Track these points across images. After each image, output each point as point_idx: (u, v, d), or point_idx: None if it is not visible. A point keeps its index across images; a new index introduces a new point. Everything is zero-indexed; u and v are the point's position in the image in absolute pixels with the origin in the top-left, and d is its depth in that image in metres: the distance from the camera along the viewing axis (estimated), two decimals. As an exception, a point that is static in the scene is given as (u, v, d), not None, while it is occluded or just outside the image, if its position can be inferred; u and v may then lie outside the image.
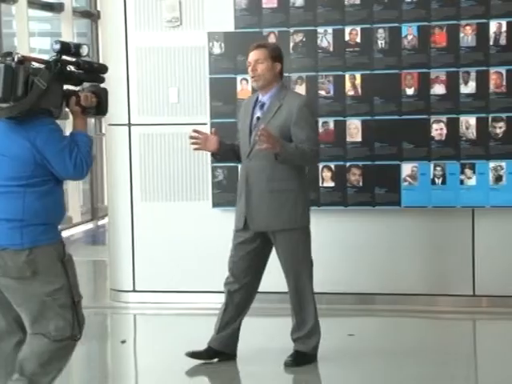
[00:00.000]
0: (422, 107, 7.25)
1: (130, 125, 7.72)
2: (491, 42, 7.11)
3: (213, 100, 7.49)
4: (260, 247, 6.06)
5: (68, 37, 12.38)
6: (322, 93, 7.37)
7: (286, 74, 7.10)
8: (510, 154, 7.17)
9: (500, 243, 7.28)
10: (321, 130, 7.31)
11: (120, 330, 7.64)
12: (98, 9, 9.65)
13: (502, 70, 7.09)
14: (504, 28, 7.07)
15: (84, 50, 4.76)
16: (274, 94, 5.96)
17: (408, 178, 7.30)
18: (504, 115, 7.12)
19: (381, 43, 7.26)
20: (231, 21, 7.46)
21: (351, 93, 7.34)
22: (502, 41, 7.07)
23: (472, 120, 7.17)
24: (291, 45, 7.38)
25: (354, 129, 7.33)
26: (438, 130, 7.24)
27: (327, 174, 7.39)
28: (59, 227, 4.85)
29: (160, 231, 7.74)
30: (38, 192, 4.56)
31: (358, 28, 7.29)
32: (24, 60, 4.51)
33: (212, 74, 7.47)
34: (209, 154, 7.26)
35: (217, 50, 7.45)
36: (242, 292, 6.09)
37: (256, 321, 6.74)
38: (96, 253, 9.74)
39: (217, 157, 6.24)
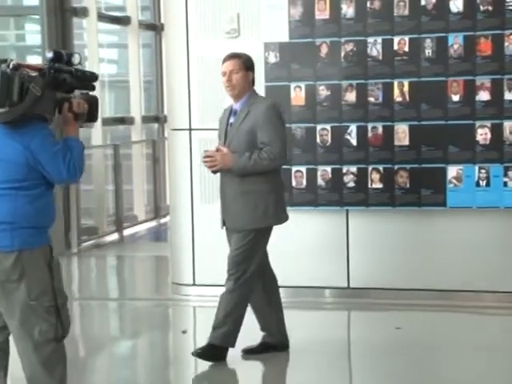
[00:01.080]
0: (467, 113, 7.24)
1: (190, 129, 7.83)
2: (536, 51, 7.06)
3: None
4: None
5: (134, 48, 12.61)
6: (372, 99, 7.37)
7: (337, 82, 7.37)
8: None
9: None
10: (370, 134, 7.39)
11: (180, 320, 7.75)
12: (162, 21, 9.85)
13: (546, 77, 7.06)
14: (546, 38, 7.02)
15: (76, 59, 4.73)
16: (245, 101, 6.01)
17: (453, 180, 7.31)
18: (547, 121, 7.11)
19: (428, 52, 7.25)
20: (286, 32, 7.48)
21: (399, 99, 7.33)
22: (546, 50, 7.05)
23: (514, 125, 7.17)
24: (342, 54, 7.39)
25: (402, 133, 7.35)
26: (483, 134, 7.23)
27: (376, 176, 7.40)
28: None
29: (218, 230, 7.30)
30: (29, 195, 4.49)
31: (407, 38, 7.28)
32: (19, 67, 4.46)
33: (268, 82, 7.51)
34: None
35: (272, 60, 7.50)
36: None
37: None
38: (158, 249, 9.86)
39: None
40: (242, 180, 5.94)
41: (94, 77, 4.89)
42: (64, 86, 4.67)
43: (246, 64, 6.05)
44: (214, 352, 6.04)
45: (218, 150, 5.98)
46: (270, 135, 5.89)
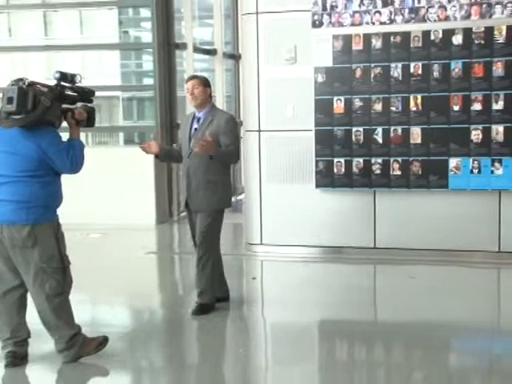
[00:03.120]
0: (464, 119, 7.14)
1: (259, 131, 7.80)
2: (515, 73, 6.99)
3: (316, 114, 7.46)
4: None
5: (219, 72, 12.54)
6: (393, 109, 7.28)
7: (367, 96, 7.33)
8: (528, 153, 7.08)
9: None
10: (392, 134, 7.31)
11: (251, 270, 7.74)
12: (240, 52, 9.89)
13: (523, 93, 7.00)
14: (524, 63, 6.96)
15: (77, 79, 4.67)
16: (207, 111, 5.73)
17: (454, 169, 7.23)
18: (523, 125, 7.04)
19: (435, 74, 7.16)
20: (330, 59, 7.40)
21: (414, 109, 7.25)
22: (523, 72, 6.98)
23: (500, 128, 7.07)
24: (372, 75, 7.30)
25: (416, 134, 7.27)
26: (476, 135, 7.14)
27: (396, 166, 7.33)
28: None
29: (279, 203, 7.79)
30: (41, 182, 4.43)
31: (420, 63, 7.19)
32: (33, 84, 4.41)
33: (316, 96, 7.45)
34: (313, 151, 7.53)
35: (320, 80, 7.42)
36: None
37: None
38: (236, 218, 9.85)
39: (157, 158, 5.98)
40: (206, 171, 5.67)
41: (91, 92, 4.84)
42: (68, 99, 4.66)
43: (203, 82, 5.75)
44: (207, 308, 5.78)
45: (208, 140, 5.54)
46: (230, 139, 5.66)
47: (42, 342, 4.87)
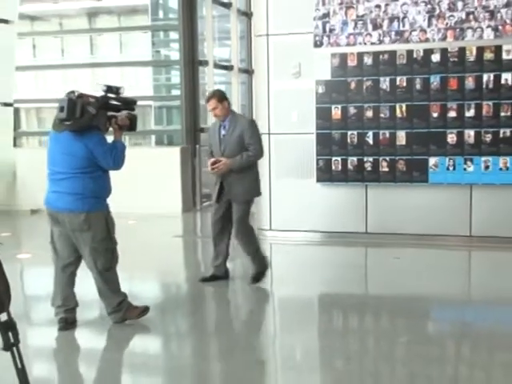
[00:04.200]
0: (441, 124, 7.10)
1: (269, 133, 7.74)
2: (484, 87, 6.94)
3: (317, 119, 7.44)
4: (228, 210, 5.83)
5: (235, 84, 12.49)
6: (382, 115, 7.23)
7: (360, 105, 7.28)
8: (494, 153, 6.99)
9: (490, 207, 7.15)
10: (381, 137, 7.25)
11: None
12: (253, 68, 9.88)
13: (490, 103, 6.94)
14: (491, 78, 6.91)
15: (122, 91, 4.70)
16: (230, 119, 5.68)
17: (433, 166, 7.18)
18: (491, 130, 6.97)
19: (418, 86, 7.12)
20: (329, 73, 7.38)
21: (399, 116, 7.21)
22: (490, 85, 6.92)
23: (471, 132, 7.03)
24: (364, 87, 7.25)
25: (401, 137, 7.22)
26: (451, 138, 7.10)
27: (384, 164, 7.29)
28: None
29: (286, 195, 7.74)
30: (92, 177, 4.50)
31: (404, 77, 7.16)
32: (82, 95, 4.46)
33: (317, 104, 7.42)
34: (314, 151, 7.46)
35: (320, 91, 7.39)
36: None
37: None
38: (249, 208, 9.95)
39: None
40: (236, 171, 5.67)
41: (133, 102, 4.85)
42: (112, 107, 4.69)
43: (219, 99, 5.66)
44: (261, 276, 5.89)
45: (217, 161, 5.66)
46: (252, 138, 5.65)
47: (87, 310, 4.95)
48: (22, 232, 9.19)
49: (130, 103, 4.80)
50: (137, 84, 18.61)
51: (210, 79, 11.67)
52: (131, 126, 4.80)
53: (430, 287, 5.76)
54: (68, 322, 4.69)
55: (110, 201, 4.72)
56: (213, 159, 5.71)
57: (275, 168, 7.81)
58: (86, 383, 4.00)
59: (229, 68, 12.57)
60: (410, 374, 3.91)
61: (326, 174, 7.54)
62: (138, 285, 6.27)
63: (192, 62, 10.62)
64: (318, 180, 7.58)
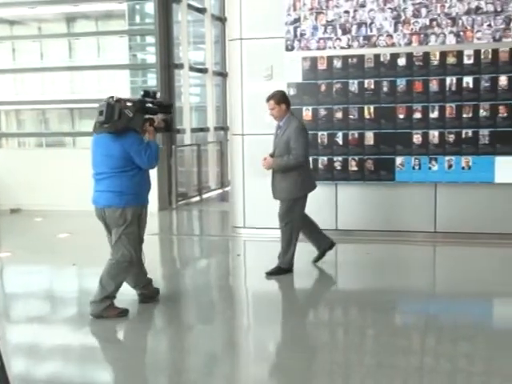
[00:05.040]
0: (408, 125, 7.16)
1: (243, 135, 7.76)
2: (447, 89, 7.01)
3: None
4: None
5: (210, 87, 12.45)
6: (351, 116, 7.26)
7: (330, 106, 7.30)
8: (457, 152, 7.05)
9: (453, 204, 7.22)
10: (350, 137, 7.28)
11: (236, 248, 7.65)
12: (227, 71, 9.84)
13: (453, 104, 7.01)
14: (454, 81, 6.97)
15: (158, 95, 4.95)
16: (285, 121, 5.87)
17: (399, 165, 7.23)
18: (454, 130, 7.04)
19: (385, 89, 7.18)
20: (300, 76, 7.40)
21: (368, 117, 7.25)
22: (453, 88, 6.98)
23: (436, 133, 7.09)
24: (334, 89, 7.28)
25: (369, 137, 7.27)
26: (417, 138, 7.16)
27: (353, 163, 7.33)
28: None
29: (259, 193, 7.57)
30: (129, 175, 4.67)
31: (372, 80, 7.21)
32: (120, 100, 4.63)
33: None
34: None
35: (292, 93, 7.34)
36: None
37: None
38: (223, 206, 9.90)
39: None
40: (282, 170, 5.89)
41: (170, 105, 5.11)
42: (149, 111, 4.86)
43: (277, 101, 5.89)
44: (282, 272, 5.96)
45: (265, 158, 5.98)
46: (296, 143, 5.79)
47: (67, 307, 4.82)
48: (1, 231, 9.06)
49: (166, 106, 5.01)
50: (114, 87, 18.47)
51: (186, 82, 11.66)
52: (167, 127, 5.01)
53: (396, 281, 5.80)
54: (147, 297, 5.08)
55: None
56: (264, 156, 5.98)
57: (248, 167, 7.80)
58: (64, 379, 3.95)
59: (203, 71, 12.52)
60: (377, 364, 3.94)
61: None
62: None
63: (168, 66, 10.59)
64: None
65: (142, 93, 4.87)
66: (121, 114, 4.56)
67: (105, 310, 4.75)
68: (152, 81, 15.93)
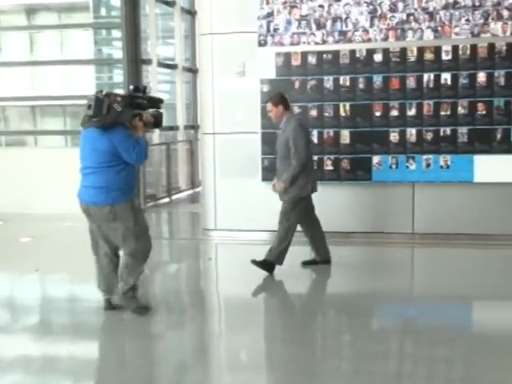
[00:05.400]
0: (384, 123, 7.21)
1: (214, 133, 7.76)
2: (424, 86, 7.07)
3: (262, 118, 7.42)
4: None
5: (179, 83, 12.45)
6: (327, 114, 7.30)
7: (304, 104, 7.31)
8: (436, 151, 7.13)
9: (431, 204, 7.30)
10: (325, 136, 7.31)
11: (207, 252, 7.65)
12: (197, 67, 9.83)
13: (431, 102, 7.08)
14: (432, 77, 7.05)
15: (148, 90, 5.07)
16: (284, 122, 6.08)
17: (376, 164, 7.28)
18: (431, 128, 7.10)
19: (361, 85, 7.23)
20: (273, 72, 7.43)
21: (343, 114, 7.29)
22: (431, 85, 7.06)
23: (413, 131, 7.15)
24: (308, 86, 7.32)
25: (345, 136, 7.31)
26: (394, 136, 7.21)
27: (328, 162, 7.37)
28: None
29: (231, 195, 7.74)
30: (116, 170, 4.75)
31: (348, 77, 7.25)
32: (109, 94, 4.74)
33: (262, 104, 7.35)
34: (259, 150, 7.52)
35: (265, 89, 7.42)
36: None
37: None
38: (194, 207, 9.86)
39: None
40: (284, 169, 6.05)
41: (159, 100, 5.16)
42: (139, 106, 4.94)
43: (275, 102, 6.07)
44: (269, 266, 6.10)
45: (274, 184, 6.19)
46: (294, 143, 5.95)
47: (28, 315, 4.79)
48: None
49: (156, 101, 5.08)
50: (78, 83, 18.33)
51: (154, 78, 11.63)
52: (156, 123, 5.06)
53: (373, 284, 5.84)
54: (111, 304, 5.08)
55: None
56: (272, 182, 6.26)
57: (220, 168, 7.81)
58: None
59: (173, 67, 12.50)
60: (354, 370, 3.97)
61: (271, 173, 7.40)
62: (82, 287, 6.18)
63: (135, 61, 10.52)
64: (264, 179, 7.58)
65: (131, 87, 4.99)
66: (109, 108, 4.66)
67: (126, 300, 4.97)
68: (118, 77, 15.86)
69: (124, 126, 4.79)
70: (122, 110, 4.72)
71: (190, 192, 12.29)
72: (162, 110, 5.12)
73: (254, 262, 6.07)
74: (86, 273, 5.85)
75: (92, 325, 4.91)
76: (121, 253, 5.02)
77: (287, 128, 6.01)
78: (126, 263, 4.93)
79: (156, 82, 11.68)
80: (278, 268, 6.15)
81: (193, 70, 12.82)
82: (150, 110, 5.03)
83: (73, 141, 14.79)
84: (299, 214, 6.16)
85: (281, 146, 6.10)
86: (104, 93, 4.72)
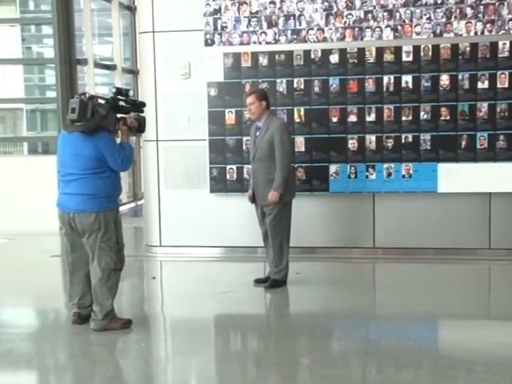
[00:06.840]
0: (342, 129, 7.28)
1: (157, 141, 7.75)
2: (384, 89, 7.19)
3: (210, 124, 7.49)
4: (262, 213, 6.37)
5: (119, 86, 12.58)
6: (279, 120, 7.47)
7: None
8: (397, 159, 7.24)
9: (393, 217, 7.41)
10: (278, 143, 7.52)
11: (151, 270, 7.63)
12: (138, 68, 9.79)
13: (391, 106, 7.19)
14: (392, 80, 7.16)
15: (131, 93, 5.22)
16: (265, 120, 6.19)
17: (334, 174, 7.35)
18: (392, 135, 7.22)
19: (316, 89, 7.30)
20: (222, 74, 7.46)
21: (298, 120, 7.35)
22: (391, 88, 7.18)
23: (373, 137, 7.25)
24: (260, 90, 7.44)
25: (300, 143, 7.35)
26: (352, 144, 7.30)
27: (282, 172, 7.48)
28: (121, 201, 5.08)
29: (177, 208, 7.75)
30: (102, 177, 4.92)
31: (302, 79, 7.31)
32: (92, 97, 4.90)
33: (210, 108, 7.49)
34: (207, 159, 7.54)
35: (212, 93, 7.47)
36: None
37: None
38: (136, 222, 9.78)
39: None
40: (266, 172, 6.16)
41: (142, 104, 5.37)
42: (122, 109, 5.12)
43: (259, 97, 6.20)
44: (279, 284, 6.29)
45: (252, 197, 6.35)
46: (281, 142, 6.09)
47: None
48: None
49: (139, 105, 5.29)
50: (4, 85, 18.01)
51: (91, 80, 11.54)
52: (139, 127, 5.23)
53: (332, 303, 5.91)
54: (81, 317, 5.25)
55: None
56: (248, 194, 6.40)
57: (164, 178, 7.80)
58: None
59: (111, 67, 12.44)
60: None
61: (220, 184, 7.59)
62: (8, 312, 6.07)
63: (69, 61, 10.45)
64: (212, 190, 7.62)
65: (113, 90, 5.10)
66: (94, 112, 4.79)
67: (109, 323, 5.11)
68: (50, 78, 15.64)
69: (108, 131, 4.95)
70: (107, 114, 4.88)
71: (132, 205, 12.22)
72: (143, 114, 5.31)
73: (266, 286, 6.25)
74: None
75: (22, 352, 4.81)
76: (92, 273, 5.12)
77: (271, 127, 6.14)
78: (99, 284, 5.06)
79: (92, 85, 11.58)
80: (228, 286, 6.14)
81: (133, 72, 12.81)
82: (132, 114, 5.20)
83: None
84: (288, 220, 6.34)
85: (262, 146, 6.19)
86: (87, 95, 4.85)
